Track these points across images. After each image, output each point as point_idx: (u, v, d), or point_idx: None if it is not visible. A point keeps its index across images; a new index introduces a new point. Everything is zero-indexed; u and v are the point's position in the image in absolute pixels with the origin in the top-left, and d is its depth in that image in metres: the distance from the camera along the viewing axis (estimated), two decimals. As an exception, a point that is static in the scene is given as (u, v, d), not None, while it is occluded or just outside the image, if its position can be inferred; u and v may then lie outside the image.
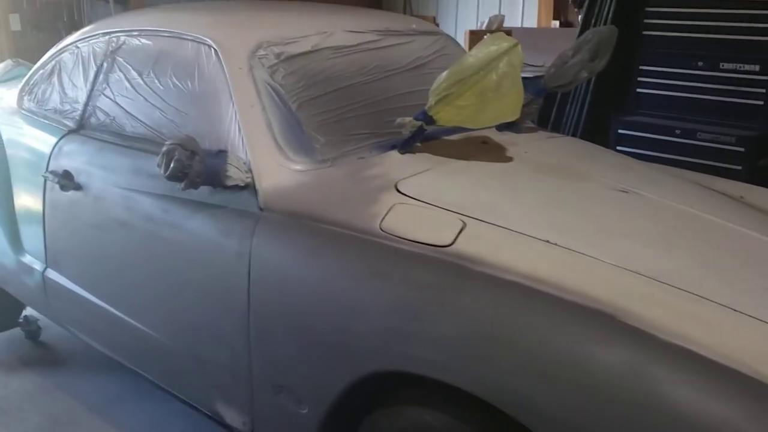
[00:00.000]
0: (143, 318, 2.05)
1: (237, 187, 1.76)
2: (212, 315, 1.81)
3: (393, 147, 1.91)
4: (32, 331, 3.08)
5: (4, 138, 2.62)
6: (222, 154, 1.75)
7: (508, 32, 4.07)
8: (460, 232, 1.55)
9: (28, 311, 3.03)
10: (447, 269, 1.46)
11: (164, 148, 1.68)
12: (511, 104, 1.79)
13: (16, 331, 3.06)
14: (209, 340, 1.84)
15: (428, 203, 1.65)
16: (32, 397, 2.66)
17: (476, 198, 1.69)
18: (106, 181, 2.11)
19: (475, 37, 4.82)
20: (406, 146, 1.89)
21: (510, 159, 1.98)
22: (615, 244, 1.55)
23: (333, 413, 1.61)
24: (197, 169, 1.68)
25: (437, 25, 6.22)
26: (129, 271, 2.05)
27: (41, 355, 2.99)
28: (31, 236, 2.47)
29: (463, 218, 1.59)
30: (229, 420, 1.86)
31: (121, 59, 2.24)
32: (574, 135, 3.71)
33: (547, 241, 1.52)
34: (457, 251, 1.49)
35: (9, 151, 2.58)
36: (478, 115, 1.79)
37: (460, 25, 6.40)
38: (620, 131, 3.86)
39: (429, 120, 1.82)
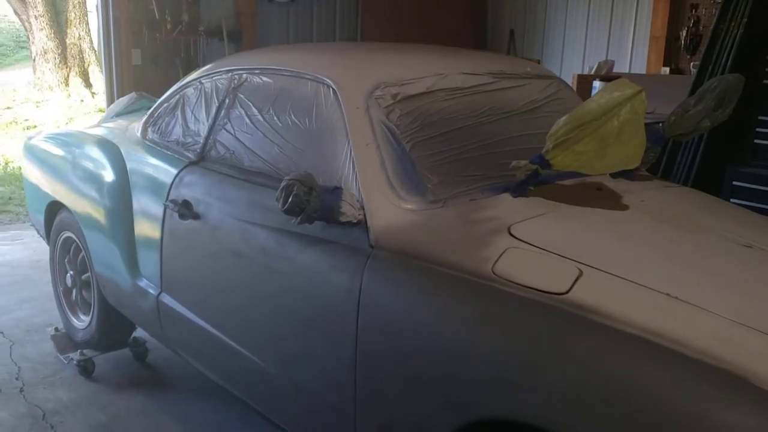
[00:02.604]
0: (252, 346, 2.09)
1: (349, 224, 1.79)
2: (320, 349, 1.83)
3: (505, 190, 1.90)
4: (140, 352, 3.21)
5: (128, 166, 2.77)
6: (337, 190, 1.79)
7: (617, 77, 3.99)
8: (577, 280, 1.51)
9: (137, 332, 3.16)
10: (562, 318, 1.42)
11: (283, 183, 1.73)
12: (632, 152, 1.75)
13: (125, 352, 3.20)
14: (316, 373, 1.86)
15: (542, 249, 1.62)
16: (138, 416, 2.75)
17: (593, 245, 1.65)
18: (223, 212, 2.19)
19: (584, 81, 4.76)
20: (519, 190, 1.88)
21: (626, 207, 1.93)
22: (740, 301, 1.47)
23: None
24: (314, 205, 1.72)
25: (541, 68, 6.16)
26: (241, 300, 2.11)
27: (148, 377, 3.10)
28: (148, 261, 2.59)
29: (580, 266, 1.55)
30: (331, 456, 1.87)
31: (242, 96, 2.34)
32: (685, 184, 3.58)
33: (668, 294, 1.46)
34: (574, 300, 1.45)
35: (132, 179, 2.73)
36: (596, 162, 1.75)
37: (565, 68, 6.33)
38: (735, 183, 3.69)
39: (545, 164, 1.80)
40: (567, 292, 1.48)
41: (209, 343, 2.28)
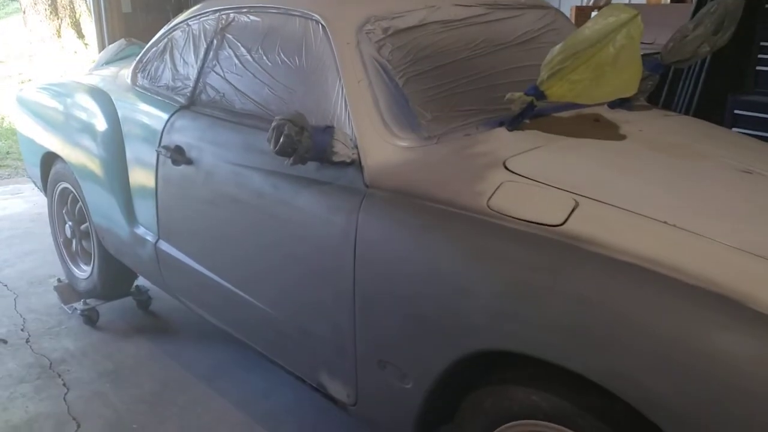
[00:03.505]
0: (251, 290, 2.10)
1: (343, 164, 1.77)
2: (318, 290, 1.83)
3: (501, 124, 1.87)
4: (143, 300, 3.23)
5: (120, 114, 2.73)
6: (329, 129, 1.76)
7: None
8: (573, 211, 1.49)
9: (140, 281, 3.18)
10: (559, 249, 1.41)
11: (274, 124, 1.70)
12: (628, 79, 1.71)
13: (129, 300, 3.22)
14: (315, 314, 1.87)
15: (538, 181, 1.59)
16: (144, 362, 2.79)
17: (589, 176, 1.63)
18: (216, 157, 2.17)
19: (582, 13, 4.64)
20: (514, 123, 1.84)
21: (624, 137, 1.90)
22: (739, 226, 1.45)
23: (436, 389, 1.60)
24: (306, 145, 1.69)
25: None
26: (238, 244, 2.10)
27: (152, 324, 3.13)
28: (145, 209, 2.58)
29: (575, 197, 1.53)
30: (333, 392, 1.88)
31: (230, 36, 2.28)
32: (686, 114, 3.52)
33: (665, 222, 1.44)
34: (570, 231, 1.44)
35: (124, 127, 2.69)
36: (592, 91, 1.71)
37: (564, 0, 6.17)
38: (736, 111, 3.63)
39: (540, 95, 1.76)
40: (563, 223, 1.46)
41: (209, 289, 2.28)
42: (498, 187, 1.59)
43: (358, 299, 1.71)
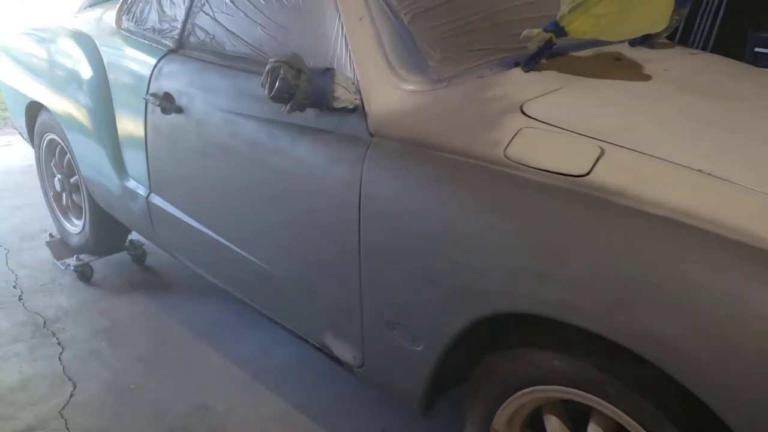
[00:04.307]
0: (249, 246, 1.98)
1: (345, 110, 1.62)
2: (321, 246, 1.71)
3: (516, 64, 1.71)
4: (138, 255, 3.12)
5: (105, 60, 2.57)
6: (329, 72, 1.61)
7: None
8: (598, 159, 1.35)
9: (134, 235, 3.06)
10: (584, 202, 1.27)
11: (268, 66, 1.55)
12: (659, 13, 1.56)
13: (123, 255, 3.11)
14: (318, 272, 1.75)
15: (559, 127, 1.45)
16: (141, 320, 2.70)
17: (614, 121, 1.49)
18: (207, 104, 2.02)
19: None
20: (531, 63, 1.69)
21: (649, 78, 1.75)
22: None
23: (450, 351, 1.50)
24: (304, 90, 1.55)
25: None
26: (234, 198, 1.97)
27: (148, 279, 3.03)
28: (135, 161, 2.44)
29: (601, 144, 1.39)
30: (338, 353, 1.78)
31: (219, -27, 2.10)
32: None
33: (700, 171, 1.30)
34: (596, 181, 1.30)
35: (110, 73, 2.53)
36: (618, 26, 1.56)
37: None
38: (757, 49, 3.46)
39: (560, 32, 1.60)
40: (588, 173, 1.33)
41: (205, 245, 2.16)
42: (515, 134, 1.45)
43: (364, 257, 1.59)
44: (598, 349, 1.27)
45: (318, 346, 1.87)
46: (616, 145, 1.39)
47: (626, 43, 1.98)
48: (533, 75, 1.69)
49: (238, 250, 2.01)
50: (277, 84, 1.53)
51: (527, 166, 1.38)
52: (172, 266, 3.07)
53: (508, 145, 1.43)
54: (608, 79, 1.71)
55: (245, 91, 1.90)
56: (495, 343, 1.48)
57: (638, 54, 1.92)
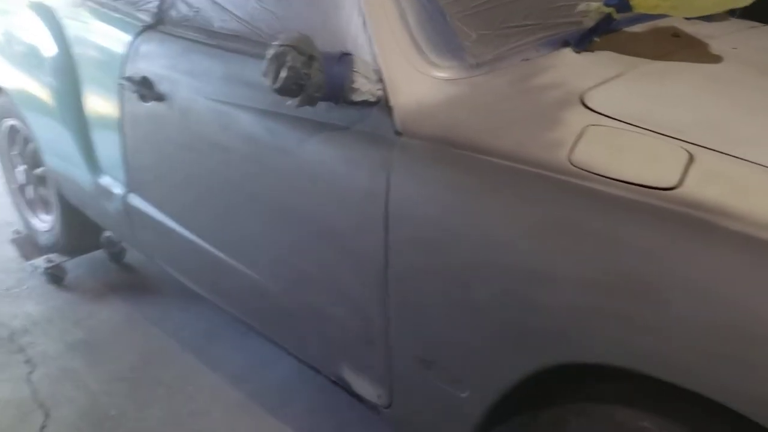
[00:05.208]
0: (246, 259, 1.70)
1: (365, 103, 1.33)
2: (335, 265, 1.43)
3: (566, 43, 1.44)
4: (116, 252, 2.81)
5: (70, 35, 2.24)
6: (346, 58, 1.31)
7: None
8: (688, 167, 1.09)
9: (111, 230, 2.76)
10: (679, 223, 1.01)
11: (272, 51, 1.26)
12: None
13: (99, 253, 2.80)
14: (331, 293, 1.48)
15: (631, 124, 1.18)
16: (122, 329, 2.41)
17: (695, 116, 1.22)
18: (193, 91, 1.71)
19: None
20: (583, 42, 1.42)
21: (719, 58, 1.48)
22: None
23: (504, 401, 1.24)
24: (317, 81, 1.26)
25: None
26: (228, 203, 1.68)
27: (128, 281, 2.73)
28: (109, 155, 2.13)
29: (687, 146, 1.12)
30: (359, 390, 1.52)
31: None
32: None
33: (815, 180, 1.05)
34: (689, 196, 1.03)
35: (76, 51, 2.20)
36: (697, -1, 1.28)
37: None
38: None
39: (624, 6, 1.33)
40: (678, 186, 1.06)
41: (194, 254, 1.87)
42: (581, 134, 1.18)
43: (393, 281, 1.32)
44: (701, 411, 1.02)
45: (334, 380, 1.60)
46: (705, 147, 1.12)
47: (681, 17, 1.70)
48: (587, 57, 1.42)
49: (234, 263, 1.73)
50: (283, 73, 1.24)
51: (600, 175, 1.11)
52: (154, 264, 2.77)
53: (573, 147, 1.16)
54: (673, 61, 1.45)
55: (238, 77, 1.60)
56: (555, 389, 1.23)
57: (696, 29, 1.65)
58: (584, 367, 1.14)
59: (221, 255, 1.76)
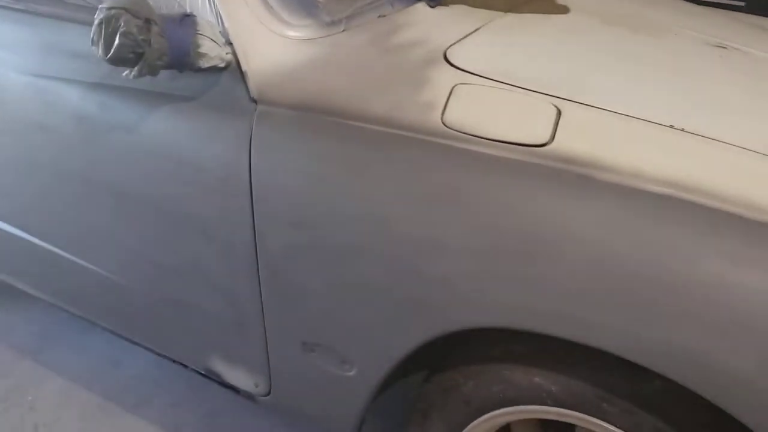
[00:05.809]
0: (92, 255, 1.51)
1: (214, 69, 1.20)
2: (196, 252, 1.30)
3: (418, -1, 1.39)
4: None
5: None
6: (189, 20, 1.17)
7: None
8: (557, 121, 1.08)
9: None
10: (556, 180, 1.00)
11: (101, 15, 1.09)
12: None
13: None
14: (194, 284, 1.35)
15: (497, 80, 1.16)
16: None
17: (555, 69, 1.21)
18: (5, 65, 1.48)
19: None
20: (438, -4, 1.37)
21: (566, 10, 1.50)
22: (753, 122, 1.12)
23: (391, 375, 1.20)
24: (158, 47, 1.11)
25: None
26: (59, 191, 1.48)
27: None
28: None
29: (553, 101, 1.11)
30: (233, 380, 1.41)
31: None
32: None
33: (672, 126, 1.08)
34: (562, 152, 1.03)
35: None
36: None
37: None
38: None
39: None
40: (550, 141, 1.05)
41: (22, 252, 1.65)
42: (450, 92, 1.13)
43: (264, 264, 1.22)
44: (592, 363, 1.03)
45: (203, 372, 1.48)
46: (570, 101, 1.12)
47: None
48: (442, 11, 1.38)
49: (70, 257, 1.54)
50: (117, 41, 1.08)
51: (474, 135, 1.07)
52: None
53: (444, 108, 1.11)
54: (524, 13, 1.44)
55: (58, 46, 1.40)
56: (445, 358, 1.20)
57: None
58: (471, 333, 1.12)
59: (58, 251, 1.56)
